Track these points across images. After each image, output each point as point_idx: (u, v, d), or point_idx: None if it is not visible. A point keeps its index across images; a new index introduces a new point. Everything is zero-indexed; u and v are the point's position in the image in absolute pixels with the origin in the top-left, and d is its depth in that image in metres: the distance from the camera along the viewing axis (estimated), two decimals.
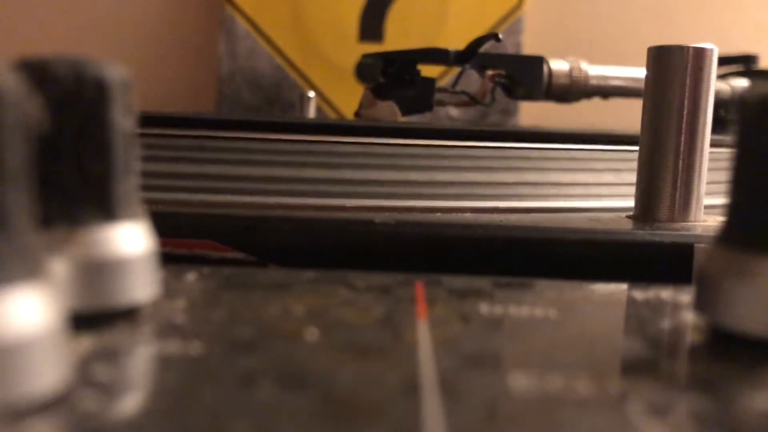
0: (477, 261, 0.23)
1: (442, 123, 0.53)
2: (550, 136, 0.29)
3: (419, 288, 0.16)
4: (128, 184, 0.13)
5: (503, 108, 0.56)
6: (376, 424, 0.09)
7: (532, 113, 0.57)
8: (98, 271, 0.12)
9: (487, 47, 0.39)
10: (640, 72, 0.40)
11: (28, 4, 0.60)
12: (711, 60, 0.26)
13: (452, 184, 0.27)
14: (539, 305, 0.15)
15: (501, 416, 0.09)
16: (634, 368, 0.11)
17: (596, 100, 0.42)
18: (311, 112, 0.52)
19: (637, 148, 0.27)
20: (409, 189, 0.27)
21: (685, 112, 0.25)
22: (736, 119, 0.12)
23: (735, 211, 0.13)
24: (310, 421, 0.09)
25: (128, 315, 0.13)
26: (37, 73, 0.12)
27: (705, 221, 0.26)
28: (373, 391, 0.10)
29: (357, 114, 0.39)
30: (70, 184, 0.12)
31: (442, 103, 0.40)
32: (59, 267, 0.12)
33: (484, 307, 0.14)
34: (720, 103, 0.35)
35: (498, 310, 0.14)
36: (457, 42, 0.40)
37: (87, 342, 0.11)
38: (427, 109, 0.38)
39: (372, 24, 0.57)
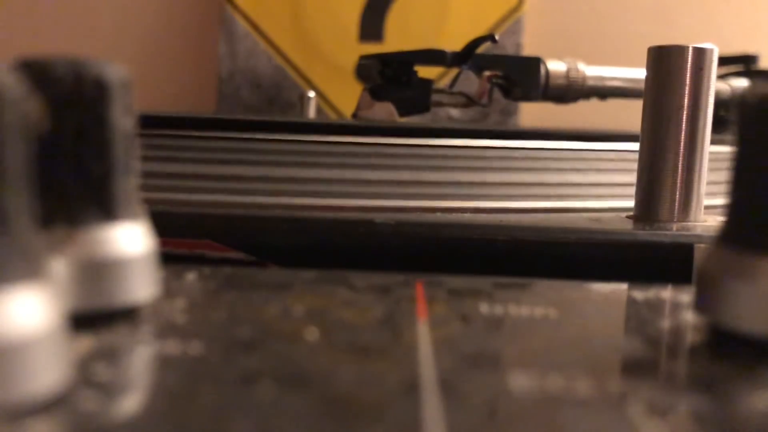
0: (477, 261, 0.23)
1: (442, 123, 0.53)
2: (549, 135, 0.29)
3: (419, 288, 0.16)
4: (128, 184, 0.13)
5: (503, 108, 0.56)
6: (376, 424, 0.09)
7: (532, 113, 0.57)
8: (98, 271, 0.12)
9: (484, 48, 0.39)
10: (637, 73, 0.40)
11: (29, 5, 0.60)
12: (711, 60, 0.26)
13: (452, 184, 0.27)
14: (539, 305, 0.15)
15: (501, 416, 0.09)
16: (634, 368, 0.11)
17: (596, 101, 0.42)
18: (311, 112, 0.52)
19: (637, 148, 0.27)
20: (409, 189, 0.27)
21: (685, 112, 0.25)
22: (736, 119, 0.12)
23: (735, 211, 0.13)
24: (310, 421, 0.09)
25: (128, 315, 0.13)
26: (37, 73, 0.12)
27: (705, 221, 0.26)
28: (373, 391, 0.10)
29: (354, 115, 0.39)
30: (70, 184, 0.12)
31: (439, 104, 0.40)
32: (59, 267, 0.12)
33: (484, 307, 0.14)
34: (720, 103, 0.35)
35: (498, 310, 0.14)
36: (457, 42, 0.40)
37: (87, 342, 0.11)
38: (424, 110, 0.38)
39: (372, 24, 0.57)
